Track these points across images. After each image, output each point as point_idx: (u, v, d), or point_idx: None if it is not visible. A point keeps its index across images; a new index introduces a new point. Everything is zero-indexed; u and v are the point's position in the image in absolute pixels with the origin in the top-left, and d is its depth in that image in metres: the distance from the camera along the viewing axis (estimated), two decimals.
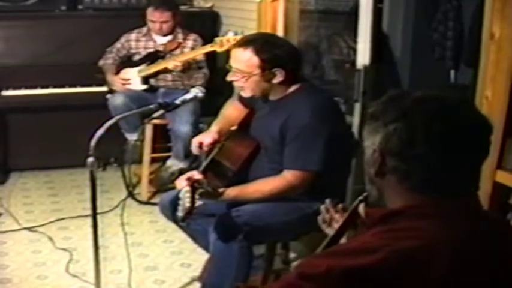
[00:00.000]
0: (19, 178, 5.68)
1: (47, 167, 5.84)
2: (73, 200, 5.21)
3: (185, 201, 2.80)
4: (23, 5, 5.39)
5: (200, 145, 3.26)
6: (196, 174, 2.94)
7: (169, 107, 3.05)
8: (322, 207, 2.44)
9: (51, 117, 5.64)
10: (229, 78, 3.07)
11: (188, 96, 3.16)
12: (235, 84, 3.08)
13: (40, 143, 5.66)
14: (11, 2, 5.36)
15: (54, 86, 5.42)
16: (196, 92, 3.17)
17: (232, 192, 2.94)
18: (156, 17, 5.04)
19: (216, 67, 5.27)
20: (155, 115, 3.07)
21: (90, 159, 2.80)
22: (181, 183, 2.90)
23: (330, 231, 2.33)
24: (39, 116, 5.61)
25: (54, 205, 5.10)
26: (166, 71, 5.01)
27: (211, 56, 5.09)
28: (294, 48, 3.11)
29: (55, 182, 5.65)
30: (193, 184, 2.84)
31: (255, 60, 2.92)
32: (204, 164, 3.16)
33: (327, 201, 2.44)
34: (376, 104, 1.63)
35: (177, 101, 3.09)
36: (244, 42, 3.00)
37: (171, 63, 4.88)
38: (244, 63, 2.95)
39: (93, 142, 2.77)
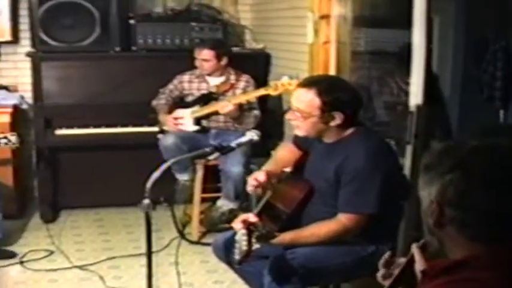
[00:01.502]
0: (69, 216, 5.82)
1: (97, 205, 5.97)
2: (124, 238, 5.31)
3: (242, 244, 2.85)
4: (78, 46, 5.58)
5: (255, 182, 3.29)
6: (251, 217, 3.00)
7: (225, 150, 3.15)
8: (381, 264, 2.38)
9: (102, 156, 5.80)
10: (287, 116, 3.15)
11: (243, 139, 3.25)
12: (292, 123, 3.13)
13: (90, 182, 5.81)
14: (67, 42, 5.55)
15: (107, 126, 5.58)
16: (252, 135, 3.26)
17: (287, 236, 2.98)
18: (197, 54, 5.20)
19: (267, 109, 5.38)
20: (211, 158, 3.18)
21: (146, 201, 2.86)
22: (237, 226, 2.96)
23: (387, 283, 2.33)
24: (90, 154, 5.78)
25: (105, 244, 5.21)
26: (218, 112, 5.10)
27: (262, 98, 5.17)
28: (356, 93, 3.16)
29: (105, 220, 5.77)
30: (249, 227, 2.90)
31: (317, 101, 2.98)
32: (259, 206, 3.21)
33: (386, 255, 2.38)
34: (430, 154, 1.66)
35: (233, 144, 3.19)
36: (309, 83, 3.07)
37: (223, 106, 4.98)
38: (305, 103, 3.01)
39: (148, 184, 2.85)
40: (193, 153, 3.44)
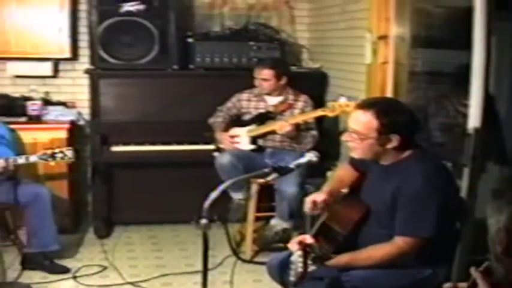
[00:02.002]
0: (123, 232, 5.96)
1: (150, 222, 6.10)
2: (177, 256, 5.40)
3: (297, 266, 2.89)
4: (136, 64, 5.74)
5: (313, 204, 3.33)
6: (308, 238, 3.04)
7: (284, 171, 3.18)
8: None
9: (157, 173, 5.95)
10: (344, 138, 3.17)
11: (302, 160, 3.30)
12: (349, 144, 3.17)
13: (145, 198, 5.96)
14: (125, 60, 5.72)
15: (162, 143, 5.70)
16: (311, 156, 3.30)
17: (343, 258, 3.01)
18: (257, 73, 5.29)
19: (323, 129, 5.43)
20: (269, 178, 3.21)
21: (204, 221, 2.94)
22: (294, 247, 2.99)
23: None
24: (145, 171, 5.93)
25: (158, 260, 5.30)
26: (275, 132, 5.17)
27: (319, 118, 5.21)
28: (414, 116, 3.18)
29: (159, 237, 5.88)
30: (305, 248, 2.93)
31: (374, 123, 3.01)
32: (315, 227, 3.25)
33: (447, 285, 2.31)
34: (499, 180, 1.67)
35: (291, 165, 3.22)
36: (367, 105, 3.11)
37: (281, 126, 5.03)
38: (362, 125, 3.05)
39: (206, 204, 2.94)
40: (252, 173, 3.48)
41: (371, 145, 3.06)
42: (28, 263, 4.97)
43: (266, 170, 3.17)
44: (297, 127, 5.10)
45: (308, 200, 3.36)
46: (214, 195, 2.94)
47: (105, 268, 5.06)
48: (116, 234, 5.90)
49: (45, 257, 4.96)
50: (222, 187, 2.99)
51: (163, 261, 5.29)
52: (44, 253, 4.96)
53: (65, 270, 4.99)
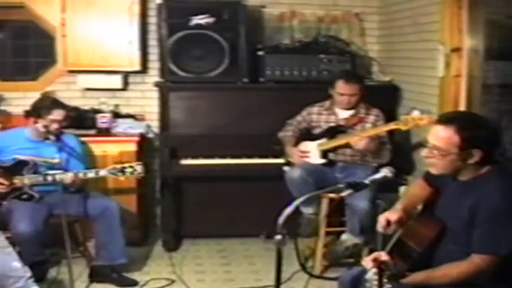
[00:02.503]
0: (192, 245, 6.06)
1: (219, 235, 6.19)
2: (245, 270, 5.48)
3: (372, 284, 2.90)
4: (206, 77, 5.85)
5: (387, 223, 3.35)
6: (383, 255, 3.05)
7: (359, 187, 3.21)
8: None
9: (226, 186, 6.04)
10: (424, 154, 3.17)
11: (378, 176, 3.32)
12: (429, 160, 3.17)
13: (213, 212, 6.07)
14: (195, 73, 5.84)
15: (232, 157, 5.78)
16: (386, 172, 3.33)
17: (419, 276, 3.02)
18: (345, 89, 5.28)
19: (394, 143, 5.44)
20: (343, 194, 3.22)
21: (278, 237, 2.94)
22: (368, 264, 3.01)
23: None
24: (214, 185, 6.03)
25: (226, 274, 5.39)
26: (346, 145, 5.20)
27: (390, 131, 5.23)
28: (495, 130, 3.19)
29: (227, 251, 5.97)
30: (380, 266, 2.94)
31: (456, 139, 3.02)
32: (389, 244, 3.26)
33: None
34: None
35: (366, 181, 3.25)
36: (447, 120, 3.10)
37: (357, 140, 5.05)
38: (443, 140, 3.05)
39: (280, 220, 2.94)
40: (326, 189, 3.51)
41: (452, 161, 3.06)
42: (96, 275, 5.11)
43: (340, 186, 3.20)
44: (374, 141, 5.11)
45: (381, 219, 3.37)
46: (288, 211, 2.97)
47: (173, 282, 5.16)
48: (184, 248, 6.00)
49: (113, 270, 5.09)
50: (295, 203, 3.02)
51: (232, 275, 5.37)
52: (111, 266, 5.08)
53: (133, 283, 5.11)
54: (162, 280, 5.17)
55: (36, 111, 5.04)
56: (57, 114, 4.99)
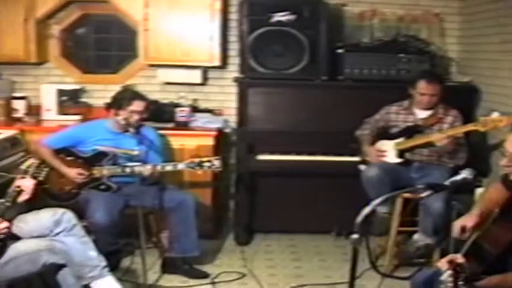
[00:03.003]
0: (263, 240, 6.19)
1: (291, 231, 6.31)
2: (315, 266, 5.57)
3: (447, 286, 2.90)
4: (286, 73, 5.96)
5: (462, 229, 3.39)
6: (459, 258, 3.07)
7: (438, 188, 3.25)
8: None
9: (300, 182, 6.16)
10: (503, 163, 3.21)
11: (458, 177, 3.36)
12: (507, 169, 3.21)
13: (287, 207, 6.21)
14: (274, 69, 5.96)
15: (308, 153, 5.89)
16: (467, 173, 3.36)
17: (494, 279, 3.05)
18: (427, 89, 5.31)
19: (470, 144, 5.44)
20: (422, 195, 3.27)
21: (355, 236, 2.99)
22: (444, 266, 3.02)
23: None
24: (288, 180, 6.15)
25: (297, 270, 5.48)
26: (423, 145, 5.25)
27: (465, 133, 5.23)
28: None
29: (298, 246, 6.07)
30: (456, 268, 2.93)
31: None
32: (465, 246, 3.30)
33: None
34: None
35: (447, 183, 3.30)
36: None
37: (438, 138, 5.07)
38: None
39: (358, 219, 2.99)
40: (405, 189, 3.53)
41: None
42: (168, 266, 5.29)
43: (420, 186, 3.25)
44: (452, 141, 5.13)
45: (457, 225, 3.42)
46: (366, 211, 3.00)
47: (243, 275, 5.30)
48: (255, 242, 6.14)
49: (184, 262, 5.25)
50: (373, 203, 3.07)
51: (302, 271, 5.46)
52: (183, 258, 5.25)
53: (204, 275, 5.25)
54: (233, 273, 5.31)
55: (117, 102, 5.23)
56: (137, 106, 5.17)
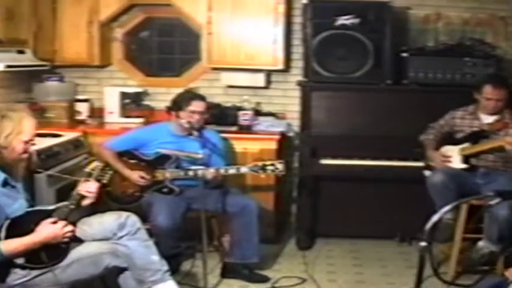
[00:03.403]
0: (325, 245, 6.21)
1: (353, 236, 6.31)
2: (377, 272, 5.55)
3: None
4: (349, 77, 5.99)
5: None
6: None
7: (508, 196, 3.23)
8: None
9: (363, 187, 6.17)
10: None
11: None
12: None
13: (349, 212, 6.23)
14: (338, 73, 5.99)
15: (371, 158, 5.90)
16: None
17: None
18: (493, 94, 5.27)
19: None
20: (492, 203, 3.25)
21: (422, 244, 2.98)
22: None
23: None
24: (351, 185, 6.17)
25: (358, 276, 5.48)
26: (488, 151, 5.22)
27: None
28: None
29: (360, 252, 6.07)
30: None
31: None
32: None
33: None
34: None
35: None
36: None
37: (508, 141, 5.01)
38: None
39: (428, 226, 3.00)
40: (473, 197, 3.51)
41: None
42: (228, 271, 5.33)
43: (489, 194, 3.24)
44: None
45: None
46: (435, 218, 3.00)
47: (304, 280, 5.30)
48: (317, 247, 6.16)
49: (244, 267, 5.28)
50: (442, 211, 3.06)
51: (363, 277, 5.46)
52: (243, 264, 5.28)
53: (264, 279, 5.28)
54: (293, 278, 5.32)
55: (177, 104, 5.32)
56: (197, 105, 5.25)
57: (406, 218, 5.96)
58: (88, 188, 3.90)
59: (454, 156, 5.39)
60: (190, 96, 5.33)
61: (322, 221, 6.24)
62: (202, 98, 5.35)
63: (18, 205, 3.64)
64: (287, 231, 6.50)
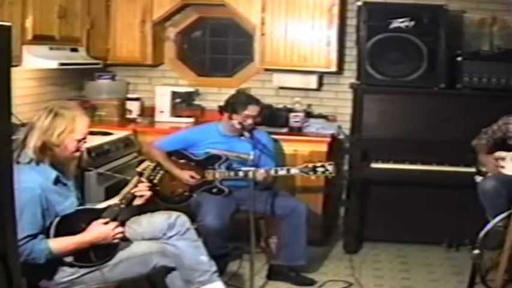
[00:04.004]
0: (372, 249, 6.20)
1: (400, 240, 6.27)
2: (423, 278, 5.51)
3: None
4: (402, 81, 5.94)
5: None
6: None
7: None
8: None
9: (412, 192, 6.13)
10: None
11: None
12: None
13: (397, 216, 6.20)
14: (392, 76, 5.95)
15: (422, 163, 5.84)
16: None
17: None
18: None
19: None
20: None
21: (476, 251, 2.97)
22: None
23: None
24: (400, 189, 6.14)
25: (404, 282, 5.44)
26: None
27: None
28: None
29: (407, 257, 6.04)
30: None
31: None
32: None
33: None
34: None
35: None
36: None
37: None
38: None
39: (482, 234, 2.97)
40: None
41: None
42: (274, 273, 5.34)
43: None
44: None
45: None
46: (489, 226, 2.98)
47: (350, 284, 5.29)
48: (364, 251, 6.15)
49: (291, 269, 5.28)
50: (497, 219, 3.03)
51: (410, 282, 5.42)
52: (290, 266, 5.28)
53: (310, 282, 5.28)
54: (339, 282, 5.31)
55: (232, 106, 5.34)
56: (252, 110, 5.28)
57: (454, 223, 5.95)
58: (142, 189, 3.94)
59: (507, 163, 5.30)
60: (246, 100, 5.36)
61: (370, 224, 6.23)
62: (257, 102, 5.38)
63: (69, 203, 3.68)
64: (334, 234, 6.51)
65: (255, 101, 5.36)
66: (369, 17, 5.93)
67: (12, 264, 2.04)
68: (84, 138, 3.72)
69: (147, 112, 6.76)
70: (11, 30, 2.04)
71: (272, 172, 5.11)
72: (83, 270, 3.61)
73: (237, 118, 5.24)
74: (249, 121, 5.25)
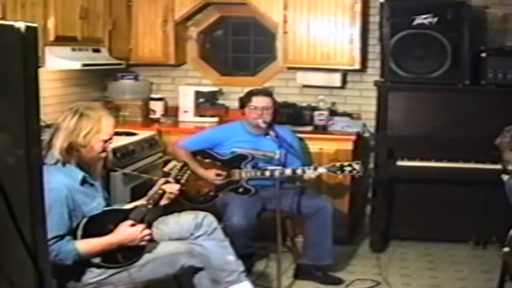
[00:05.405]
0: (398, 248, 6.17)
1: (427, 239, 6.25)
2: (451, 277, 5.49)
3: None
4: (427, 78, 5.92)
5: None
6: None
7: None
8: None
9: (438, 190, 6.11)
10: None
11: None
12: None
13: (423, 214, 6.18)
14: (416, 73, 5.93)
15: (448, 160, 5.81)
16: None
17: None
18: None
19: None
20: None
21: (505, 249, 2.99)
22: None
23: None
24: (427, 187, 6.13)
25: (432, 280, 5.42)
26: None
27: None
28: None
29: (434, 255, 6.01)
30: None
31: None
32: None
33: None
34: None
35: None
36: None
37: None
38: None
39: (511, 232, 2.92)
40: None
41: None
42: (301, 273, 5.33)
43: None
44: None
45: None
46: None
47: (378, 283, 5.28)
48: (390, 250, 6.14)
49: (317, 269, 5.28)
50: None
51: (438, 281, 5.41)
52: (317, 265, 5.27)
53: (338, 281, 5.27)
54: (367, 281, 5.30)
55: (240, 101, 5.42)
56: (258, 101, 5.30)
57: (481, 221, 5.94)
58: (171, 189, 3.97)
59: None
60: (252, 92, 5.39)
61: (396, 223, 6.20)
62: (264, 93, 5.39)
63: (96, 204, 3.71)
64: (360, 233, 6.50)
65: (261, 92, 5.40)
66: (391, 14, 5.91)
67: (42, 265, 2.05)
68: (110, 139, 3.76)
69: (171, 112, 6.80)
70: (37, 31, 2.04)
71: (299, 171, 5.09)
72: (110, 271, 3.64)
73: (248, 112, 5.27)
74: (258, 112, 5.24)
